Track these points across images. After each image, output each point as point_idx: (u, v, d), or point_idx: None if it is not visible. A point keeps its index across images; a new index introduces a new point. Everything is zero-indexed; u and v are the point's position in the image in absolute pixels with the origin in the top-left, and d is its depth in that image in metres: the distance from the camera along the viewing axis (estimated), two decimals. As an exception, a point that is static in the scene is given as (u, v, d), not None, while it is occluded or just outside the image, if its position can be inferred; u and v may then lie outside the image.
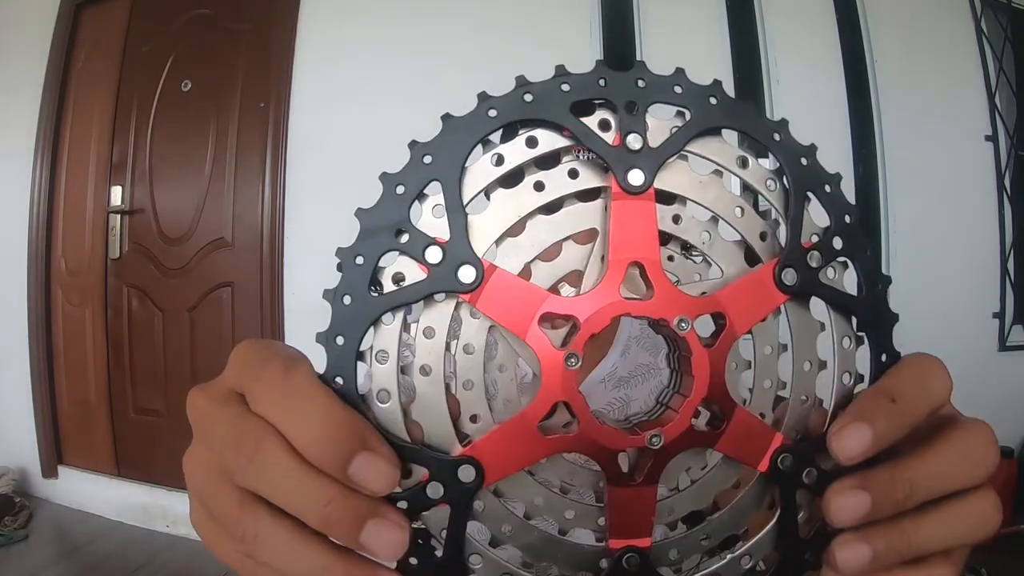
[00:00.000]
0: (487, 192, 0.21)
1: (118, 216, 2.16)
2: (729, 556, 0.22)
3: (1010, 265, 1.98)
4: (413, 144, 0.20)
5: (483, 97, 0.20)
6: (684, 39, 1.86)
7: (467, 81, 1.94)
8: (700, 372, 0.20)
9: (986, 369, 1.97)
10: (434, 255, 0.19)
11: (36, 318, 2.23)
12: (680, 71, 0.22)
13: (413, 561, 0.20)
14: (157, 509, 2.08)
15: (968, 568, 1.70)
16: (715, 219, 0.22)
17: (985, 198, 1.97)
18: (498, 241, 0.21)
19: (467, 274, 0.19)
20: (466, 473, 0.19)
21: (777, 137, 0.22)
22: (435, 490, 0.19)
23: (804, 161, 0.22)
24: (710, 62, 1.84)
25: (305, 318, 1.92)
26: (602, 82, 0.21)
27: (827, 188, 0.22)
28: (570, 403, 0.20)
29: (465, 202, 0.20)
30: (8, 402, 2.28)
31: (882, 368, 0.22)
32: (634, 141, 0.20)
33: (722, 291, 0.21)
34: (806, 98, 1.86)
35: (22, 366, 2.25)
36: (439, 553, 0.20)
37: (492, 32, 1.87)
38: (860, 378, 0.22)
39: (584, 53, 1.83)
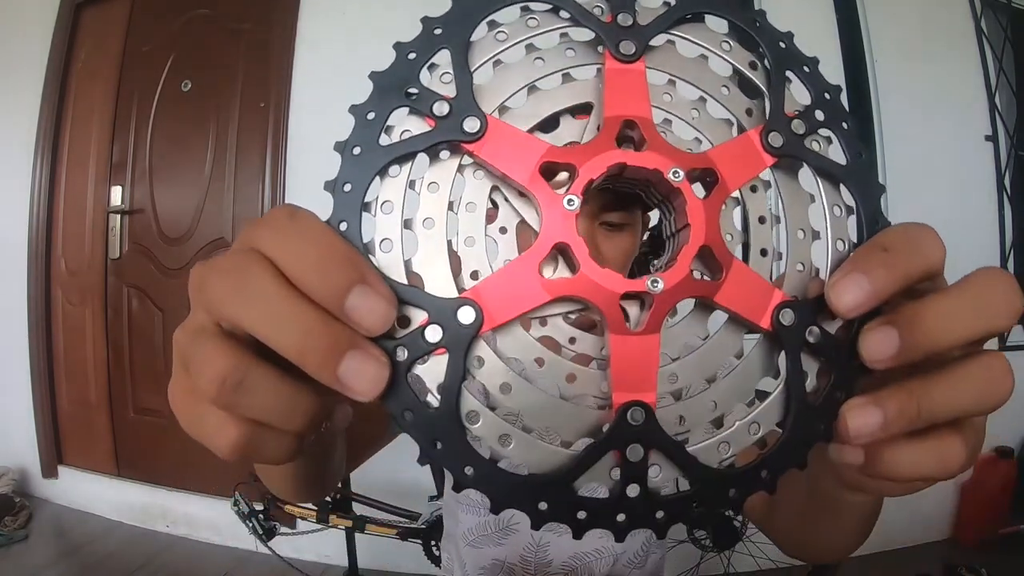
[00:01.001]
0: (492, 64, 0.22)
1: (118, 216, 2.16)
2: (737, 423, 0.21)
3: (1010, 265, 1.98)
4: (425, 19, 0.22)
5: None
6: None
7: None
8: (696, 220, 0.20)
9: (986, 369, 1.97)
10: (441, 108, 0.20)
11: (36, 318, 2.23)
12: None
13: (408, 415, 0.19)
14: (157, 509, 2.08)
15: (968, 568, 1.70)
16: (703, 98, 0.23)
17: (985, 198, 1.98)
18: (500, 109, 0.21)
19: (471, 124, 0.20)
20: (466, 314, 0.19)
21: (757, 24, 0.23)
22: (434, 333, 0.19)
23: (783, 44, 0.23)
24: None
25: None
26: None
27: (806, 68, 0.23)
28: (570, 244, 0.20)
29: (473, 69, 0.21)
30: (8, 402, 2.28)
31: (874, 233, 0.22)
32: (625, 19, 0.21)
33: (712, 150, 0.21)
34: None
35: (22, 366, 2.25)
36: (435, 406, 0.19)
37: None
38: (854, 245, 0.23)
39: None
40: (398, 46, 0.21)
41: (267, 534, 1.54)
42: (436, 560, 1.47)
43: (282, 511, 1.58)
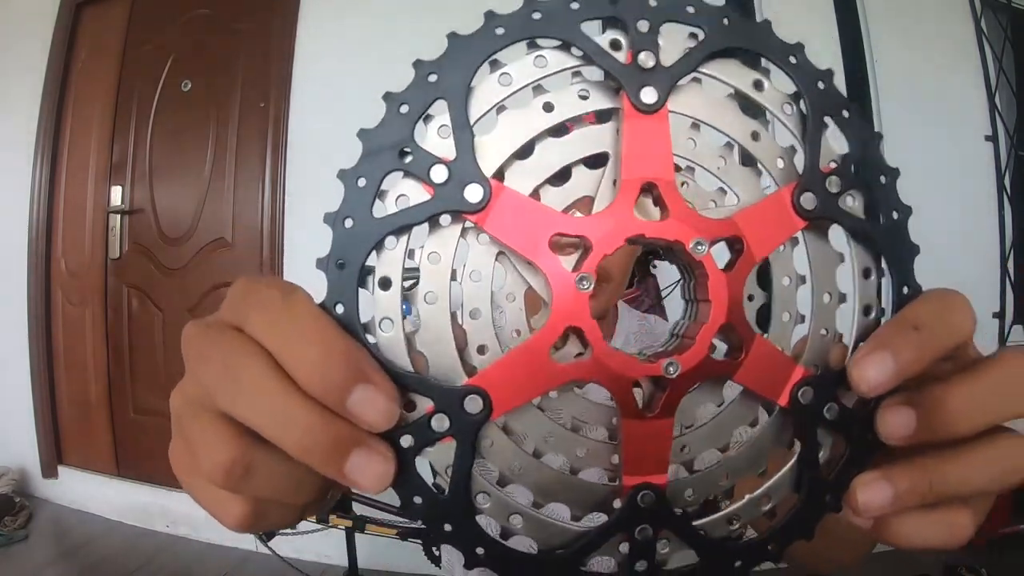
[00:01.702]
0: (494, 112, 0.20)
1: (118, 216, 2.16)
2: (748, 497, 0.21)
3: (1010, 265, 1.98)
4: (418, 63, 0.19)
5: (490, 15, 0.20)
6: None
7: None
8: (718, 297, 0.19)
9: (986, 369, 1.97)
10: (439, 174, 0.18)
11: (36, 318, 2.23)
12: None
13: (417, 500, 0.18)
14: (157, 509, 2.08)
15: (968, 568, 1.70)
16: (730, 144, 0.21)
17: (985, 198, 1.97)
18: (506, 164, 0.19)
19: (474, 193, 0.18)
20: (473, 404, 0.18)
21: (793, 60, 0.20)
22: (440, 423, 0.18)
23: (821, 85, 0.20)
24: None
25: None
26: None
27: (845, 113, 0.21)
28: (582, 327, 0.19)
29: (473, 121, 0.19)
30: (8, 402, 2.28)
31: (904, 300, 0.20)
32: (647, 59, 0.19)
33: (739, 214, 0.20)
34: (806, 98, 1.86)
35: (22, 366, 2.25)
36: (444, 491, 0.19)
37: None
38: (882, 311, 0.21)
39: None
40: (388, 97, 0.19)
41: (267, 534, 1.54)
42: (436, 560, 1.46)
43: (282, 511, 1.58)
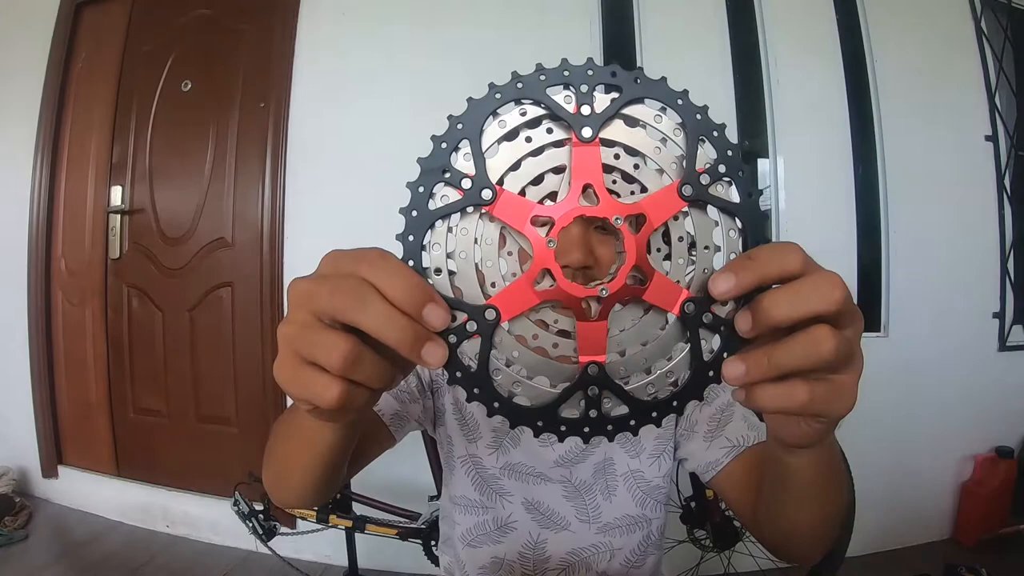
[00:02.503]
0: (497, 143, 0.32)
1: (118, 216, 2.16)
2: (658, 372, 0.33)
3: (1010, 265, 1.98)
4: (450, 116, 0.31)
5: (491, 86, 0.32)
6: (684, 40, 1.86)
7: (466, 81, 1.94)
8: (630, 250, 0.32)
9: (986, 369, 1.97)
10: (466, 184, 0.31)
11: (36, 318, 2.23)
12: (615, 64, 0.32)
13: (458, 374, 0.31)
14: (157, 509, 2.08)
15: (968, 568, 1.70)
16: (641, 155, 0.33)
17: (985, 198, 1.97)
18: (504, 174, 0.32)
19: (486, 194, 0.31)
20: (490, 314, 0.31)
21: (680, 102, 0.32)
22: (471, 326, 0.31)
23: (699, 117, 0.32)
24: (710, 62, 1.85)
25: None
26: (566, 73, 0.32)
27: (715, 134, 0.32)
28: (551, 269, 0.32)
29: (484, 149, 0.32)
30: (8, 402, 2.28)
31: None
32: (585, 110, 0.32)
33: (644, 200, 0.32)
34: (806, 98, 1.86)
35: (22, 366, 2.25)
36: (473, 368, 0.31)
37: (492, 32, 1.87)
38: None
39: (584, 55, 1.82)
40: (434, 138, 0.32)
41: (267, 534, 1.54)
42: (436, 560, 1.47)
43: (282, 511, 1.58)
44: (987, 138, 1.97)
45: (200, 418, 2.09)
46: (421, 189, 0.31)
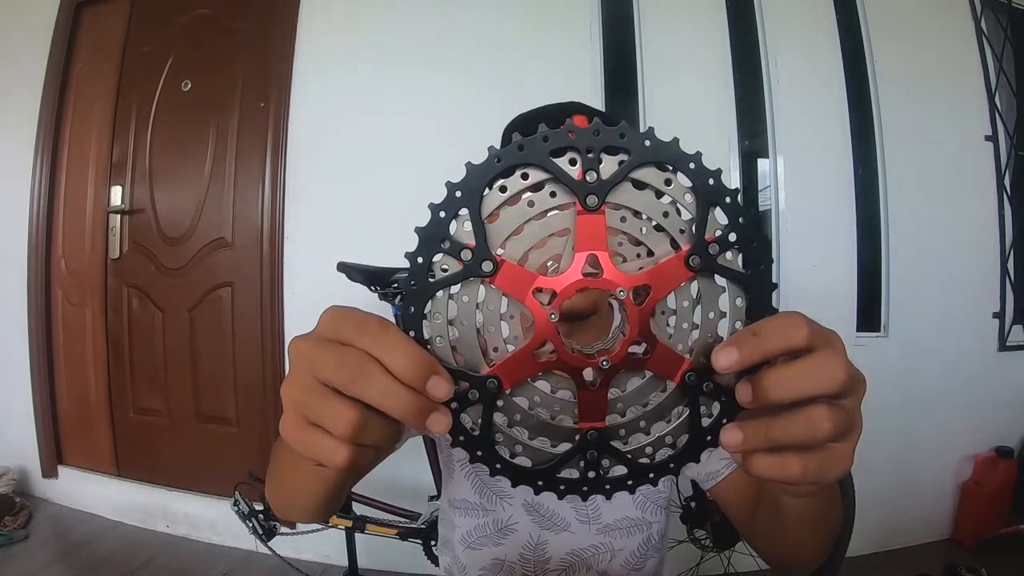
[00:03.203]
0: (498, 209, 0.31)
1: (118, 216, 2.16)
2: (656, 434, 0.33)
3: (1010, 265, 1.98)
4: (449, 184, 0.30)
5: (491, 150, 0.30)
6: (684, 40, 1.86)
7: (465, 81, 1.94)
8: (633, 322, 0.31)
9: (986, 369, 1.97)
10: (466, 255, 0.30)
11: (36, 318, 2.23)
12: (625, 124, 0.30)
13: (461, 438, 0.32)
14: (157, 509, 2.08)
15: (968, 568, 1.70)
16: (650, 220, 0.32)
17: (985, 198, 1.97)
18: (507, 239, 0.31)
19: (487, 266, 0.31)
20: (492, 384, 0.31)
21: (692, 165, 0.30)
22: (473, 394, 0.31)
23: (711, 182, 0.30)
24: (710, 62, 1.85)
25: (305, 318, 1.91)
26: (571, 136, 0.30)
27: (727, 200, 0.30)
28: (552, 341, 0.31)
29: (484, 217, 0.30)
30: (8, 402, 2.28)
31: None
32: (591, 176, 0.30)
33: (649, 271, 0.31)
34: (806, 98, 1.86)
35: (22, 366, 2.25)
36: (476, 433, 0.32)
37: (491, 32, 1.87)
38: (747, 325, 0.32)
39: (585, 56, 1.83)
40: (432, 206, 0.30)
41: (267, 534, 1.54)
42: (436, 560, 1.47)
43: (282, 511, 1.58)
44: (987, 138, 1.97)
45: (200, 418, 2.09)
46: (420, 260, 0.30)
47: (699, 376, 0.31)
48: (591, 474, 0.32)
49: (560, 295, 0.31)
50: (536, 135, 0.30)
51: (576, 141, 0.30)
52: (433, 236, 0.30)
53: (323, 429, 0.29)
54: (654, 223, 0.31)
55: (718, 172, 0.30)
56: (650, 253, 0.32)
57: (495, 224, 0.31)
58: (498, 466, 0.32)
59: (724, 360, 0.29)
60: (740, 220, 0.30)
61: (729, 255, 0.31)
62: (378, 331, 0.29)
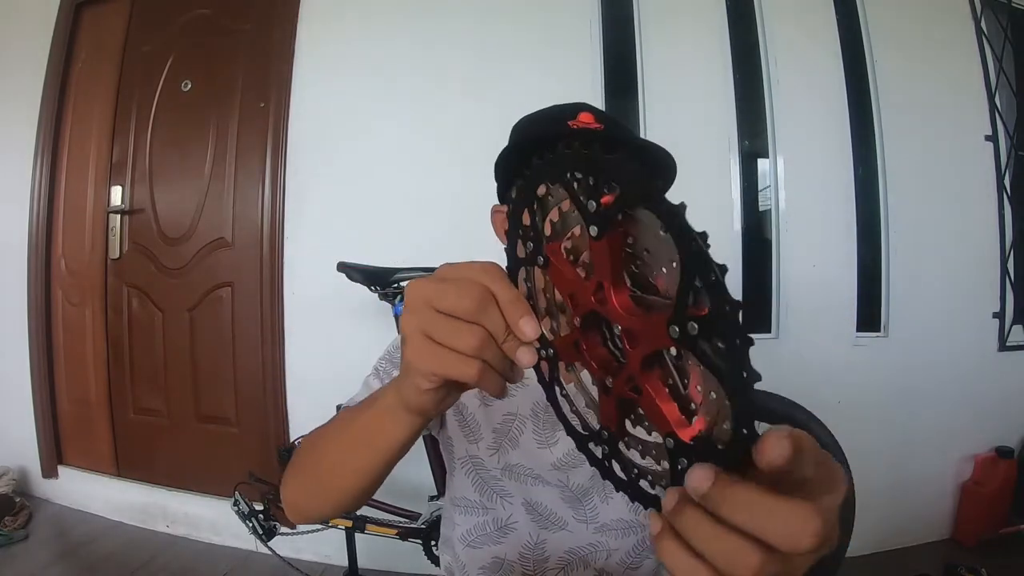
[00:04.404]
0: (557, 209, 0.35)
1: (118, 216, 2.16)
2: (645, 465, 0.32)
3: (1010, 265, 1.98)
4: (517, 184, 0.35)
5: (535, 162, 0.33)
6: (684, 40, 1.86)
7: (465, 80, 1.94)
8: (631, 361, 0.31)
9: (986, 369, 1.97)
10: (529, 248, 0.35)
11: (36, 318, 2.23)
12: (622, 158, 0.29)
13: (543, 371, 0.37)
14: (157, 509, 2.08)
15: (968, 568, 1.70)
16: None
17: (985, 198, 1.97)
18: (566, 237, 0.35)
19: (540, 260, 0.35)
20: (548, 352, 0.36)
21: (675, 219, 0.26)
22: (545, 352, 0.36)
23: (694, 245, 0.25)
24: (710, 62, 1.85)
25: (305, 318, 1.92)
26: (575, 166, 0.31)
27: (712, 277, 0.24)
28: (581, 343, 0.34)
29: (546, 215, 0.35)
30: (8, 402, 2.28)
31: (740, 430, 0.26)
32: (592, 205, 0.31)
33: (639, 318, 0.30)
34: (806, 98, 1.86)
35: (22, 366, 2.25)
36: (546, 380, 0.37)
37: (491, 33, 1.87)
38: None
39: (585, 55, 1.83)
40: (510, 200, 0.38)
41: (267, 534, 1.54)
42: (436, 560, 1.47)
43: (282, 511, 1.58)
44: (987, 138, 1.97)
45: (200, 418, 2.09)
46: (509, 248, 0.36)
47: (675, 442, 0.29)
48: (607, 463, 0.34)
49: (574, 314, 0.33)
50: (563, 152, 0.31)
51: (570, 165, 0.31)
52: (513, 224, 0.35)
53: (451, 349, 0.33)
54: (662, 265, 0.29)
55: (704, 235, 0.25)
56: (656, 292, 0.30)
57: (557, 222, 0.33)
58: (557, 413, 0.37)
59: (693, 482, 0.25)
60: (727, 308, 0.24)
61: (707, 346, 0.26)
62: (494, 270, 0.34)
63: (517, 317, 0.32)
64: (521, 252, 0.36)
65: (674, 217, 0.26)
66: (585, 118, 0.64)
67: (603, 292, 0.31)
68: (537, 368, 0.36)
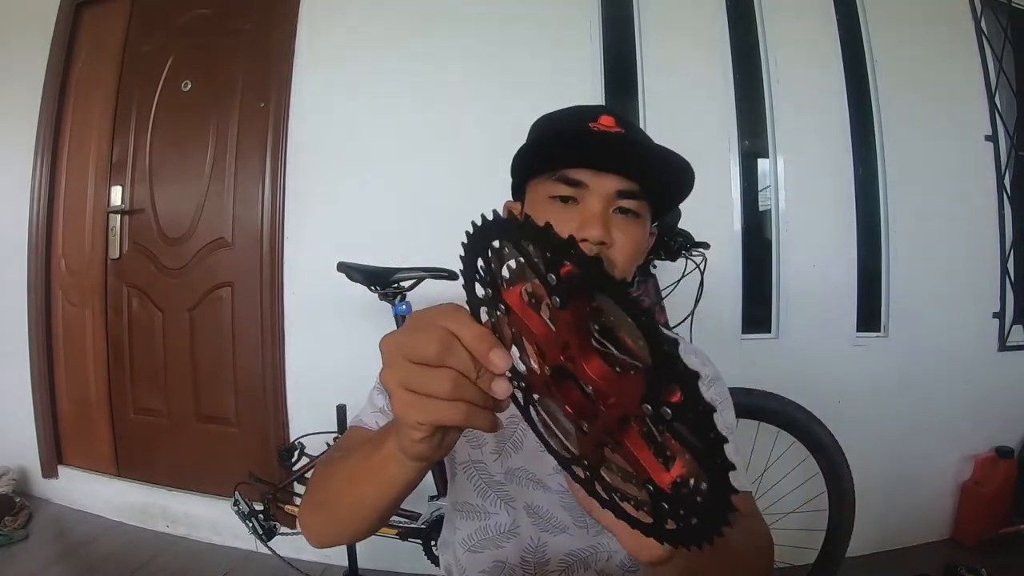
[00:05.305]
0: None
1: (118, 216, 2.16)
2: (614, 495, 0.34)
3: (1010, 265, 1.98)
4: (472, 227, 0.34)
5: (484, 219, 0.33)
6: (684, 40, 1.86)
7: (465, 81, 1.94)
8: (604, 421, 0.31)
9: (986, 369, 1.97)
10: (487, 293, 0.36)
11: (36, 318, 2.23)
12: (576, 249, 0.29)
13: (519, 398, 0.38)
14: (157, 509, 2.08)
15: (968, 568, 1.70)
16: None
17: (985, 198, 1.97)
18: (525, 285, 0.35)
19: (502, 308, 0.35)
20: (522, 385, 0.38)
21: (643, 319, 0.26)
22: (518, 383, 0.37)
23: (667, 351, 0.25)
24: (710, 62, 1.85)
25: (305, 318, 1.92)
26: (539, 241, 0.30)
27: (687, 380, 0.24)
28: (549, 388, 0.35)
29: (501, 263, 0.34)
30: (8, 402, 2.28)
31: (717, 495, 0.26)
32: (552, 277, 0.30)
33: (609, 383, 0.30)
34: (806, 98, 1.86)
35: (22, 366, 2.25)
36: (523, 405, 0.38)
37: (491, 33, 1.87)
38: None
39: (585, 55, 1.83)
40: (463, 245, 0.35)
41: (267, 534, 1.54)
42: (436, 560, 1.47)
43: (282, 511, 1.58)
44: (987, 138, 1.97)
45: (200, 418, 2.09)
46: (467, 286, 0.36)
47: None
48: (589, 485, 0.36)
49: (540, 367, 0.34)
50: (522, 224, 0.30)
51: (539, 239, 0.29)
52: (469, 268, 0.35)
53: (430, 396, 0.34)
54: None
55: (675, 343, 0.24)
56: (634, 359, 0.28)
57: (515, 269, 0.33)
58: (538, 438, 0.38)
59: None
60: (699, 408, 0.24)
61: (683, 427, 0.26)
62: (453, 312, 0.34)
63: (485, 351, 0.32)
64: (480, 292, 0.35)
65: (641, 318, 0.25)
66: (607, 121, 0.64)
67: (571, 351, 0.31)
68: (513, 396, 0.36)
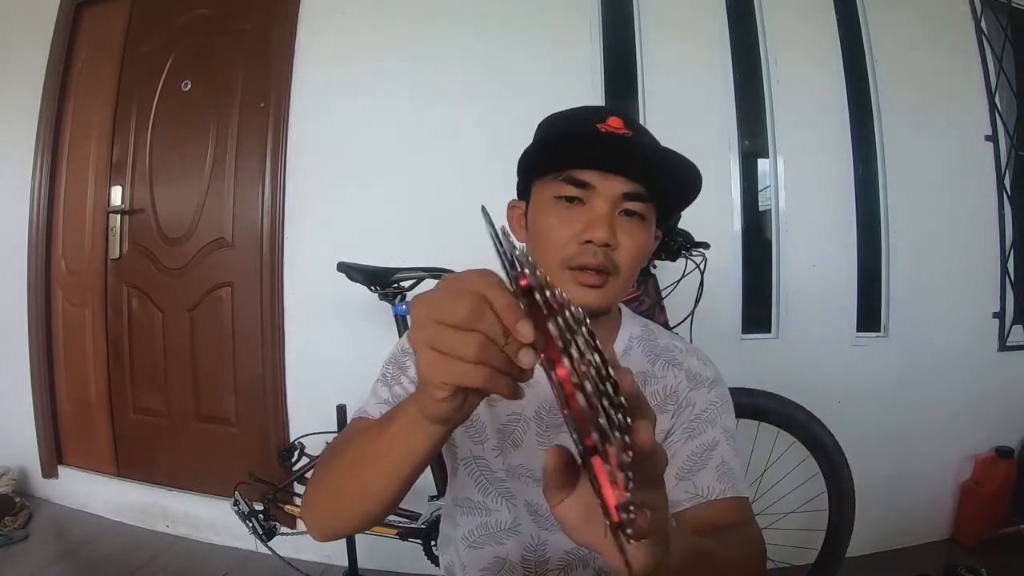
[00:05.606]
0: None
1: (118, 216, 2.16)
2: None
3: (1010, 265, 1.98)
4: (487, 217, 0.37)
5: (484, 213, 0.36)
6: (684, 40, 1.86)
7: (465, 81, 1.94)
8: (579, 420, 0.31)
9: (986, 369, 1.97)
10: (513, 272, 0.34)
11: (36, 318, 2.23)
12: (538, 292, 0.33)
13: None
14: (157, 509, 2.08)
15: (968, 568, 1.70)
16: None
17: (985, 198, 1.97)
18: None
19: (522, 282, 0.34)
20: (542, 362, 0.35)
21: (612, 380, 0.30)
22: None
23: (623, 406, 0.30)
24: (710, 62, 1.85)
25: (305, 318, 1.92)
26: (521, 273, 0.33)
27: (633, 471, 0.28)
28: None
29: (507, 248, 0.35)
30: (8, 402, 2.28)
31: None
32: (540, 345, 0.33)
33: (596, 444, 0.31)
34: (806, 98, 1.86)
35: (22, 366, 2.25)
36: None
37: (491, 33, 1.87)
38: None
39: (585, 55, 1.83)
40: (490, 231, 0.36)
41: (267, 534, 1.54)
42: (436, 560, 1.47)
43: (282, 511, 1.58)
44: (987, 138, 1.97)
45: (200, 418, 2.09)
46: (504, 273, 0.36)
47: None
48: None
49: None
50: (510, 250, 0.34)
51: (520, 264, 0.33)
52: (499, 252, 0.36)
53: (456, 358, 0.34)
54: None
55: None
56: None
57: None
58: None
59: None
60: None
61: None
62: (487, 278, 0.35)
63: (514, 321, 0.33)
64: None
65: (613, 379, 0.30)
66: (615, 123, 0.63)
67: (547, 355, 0.32)
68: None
